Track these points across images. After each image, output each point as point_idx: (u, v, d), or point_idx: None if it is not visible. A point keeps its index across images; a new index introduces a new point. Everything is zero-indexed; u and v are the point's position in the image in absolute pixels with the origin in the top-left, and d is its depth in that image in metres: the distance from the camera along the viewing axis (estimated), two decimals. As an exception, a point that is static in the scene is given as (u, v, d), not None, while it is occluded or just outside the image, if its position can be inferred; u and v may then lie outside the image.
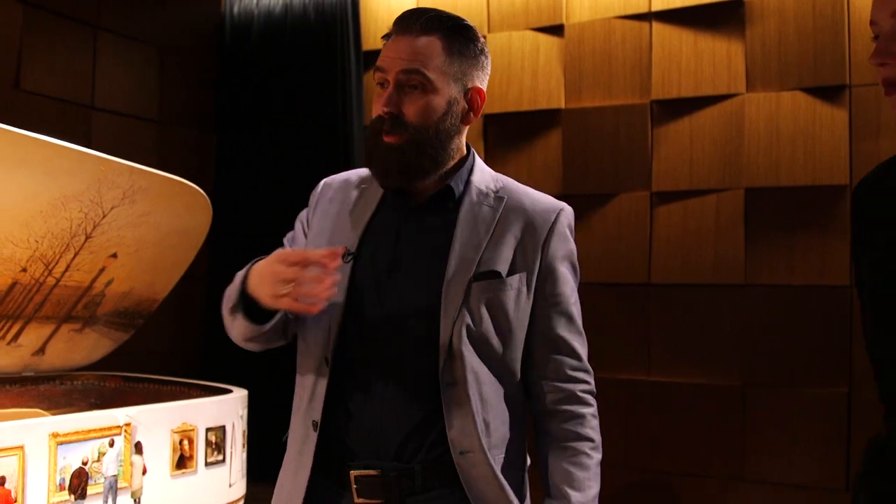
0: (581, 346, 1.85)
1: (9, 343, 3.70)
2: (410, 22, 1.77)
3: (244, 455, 3.60)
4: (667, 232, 5.39)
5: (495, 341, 1.75)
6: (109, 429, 2.97)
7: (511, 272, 1.75)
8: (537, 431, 1.88)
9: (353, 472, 1.73)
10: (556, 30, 5.76)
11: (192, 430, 3.27)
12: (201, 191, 3.80)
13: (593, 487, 1.81)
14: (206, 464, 3.32)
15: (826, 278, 4.94)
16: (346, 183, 1.92)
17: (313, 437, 1.76)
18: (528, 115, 5.84)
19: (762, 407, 5.07)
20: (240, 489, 3.56)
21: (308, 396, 1.79)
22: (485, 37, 5.83)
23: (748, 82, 5.18)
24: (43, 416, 3.58)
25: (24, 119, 5.40)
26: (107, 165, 3.35)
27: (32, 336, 3.76)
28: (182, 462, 3.24)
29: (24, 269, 3.48)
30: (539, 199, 1.87)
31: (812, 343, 4.94)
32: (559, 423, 1.83)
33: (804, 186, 5.01)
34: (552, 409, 1.83)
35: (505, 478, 1.75)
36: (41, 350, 3.85)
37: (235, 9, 6.72)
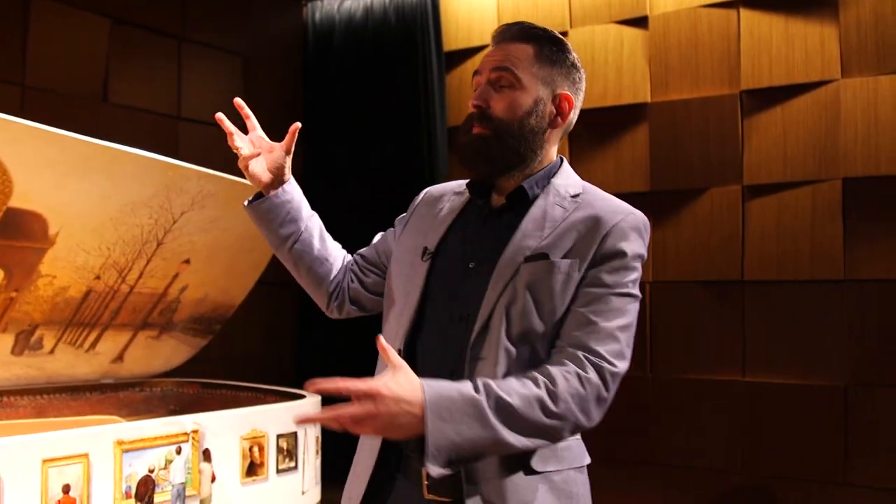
0: (608, 335, 1.72)
1: (87, 350, 3.73)
2: (506, 31, 1.89)
3: (318, 461, 3.55)
4: (760, 227, 5.16)
5: (537, 323, 1.73)
6: (176, 436, 2.95)
7: (564, 258, 1.75)
8: None
9: (424, 469, 1.68)
10: (639, 22, 5.58)
11: (263, 436, 3.23)
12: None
13: (514, 403, 1.59)
14: (278, 471, 3.28)
15: (932, 271, 4.66)
16: (443, 190, 2.03)
17: None
18: (614, 111, 5.67)
19: (867, 408, 4.80)
20: (314, 496, 3.50)
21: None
22: (566, 32, 5.76)
23: (843, 67, 4.92)
24: (119, 423, 3.60)
25: (113, 132, 5.49)
26: (174, 170, 3.35)
27: (110, 343, 3.78)
28: (252, 469, 3.19)
29: (98, 277, 3.50)
30: (614, 203, 1.85)
31: (919, 340, 4.67)
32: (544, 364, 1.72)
33: (906, 174, 4.74)
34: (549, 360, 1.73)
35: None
36: (119, 357, 3.87)
37: (317, 15, 6.74)
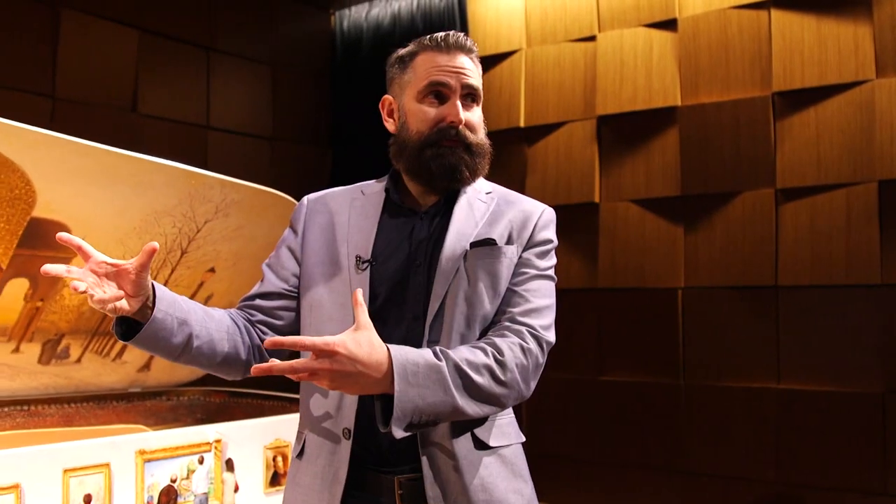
0: (540, 311, 1.86)
1: (113, 360, 3.74)
2: (458, 42, 1.94)
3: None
4: (794, 230, 5.08)
5: (487, 305, 1.83)
6: (199, 445, 2.93)
7: (506, 244, 1.88)
8: None
9: (397, 478, 1.77)
10: (669, 24, 5.52)
11: (286, 445, 3.20)
12: (294, 201, 3.75)
13: (469, 371, 1.68)
14: (302, 480, 3.25)
15: (972, 275, 4.55)
16: (332, 197, 2.05)
17: (347, 445, 1.78)
18: (643, 115, 5.62)
19: (905, 416, 4.70)
20: (338, 506, 3.47)
21: (335, 405, 1.81)
22: (595, 37, 5.72)
23: (878, 67, 4.83)
24: (141, 432, 3.60)
25: (143, 141, 5.54)
26: (196, 179, 3.34)
27: (136, 352, 3.78)
28: (276, 479, 3.17)
29: (123, 286, 3.50)
30: (526, 198, 2.01)
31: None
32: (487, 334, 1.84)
33: (944, 176, 4.64)
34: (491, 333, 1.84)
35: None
36: (146, 366, 3.87)
37: (345, 23, 6.75)
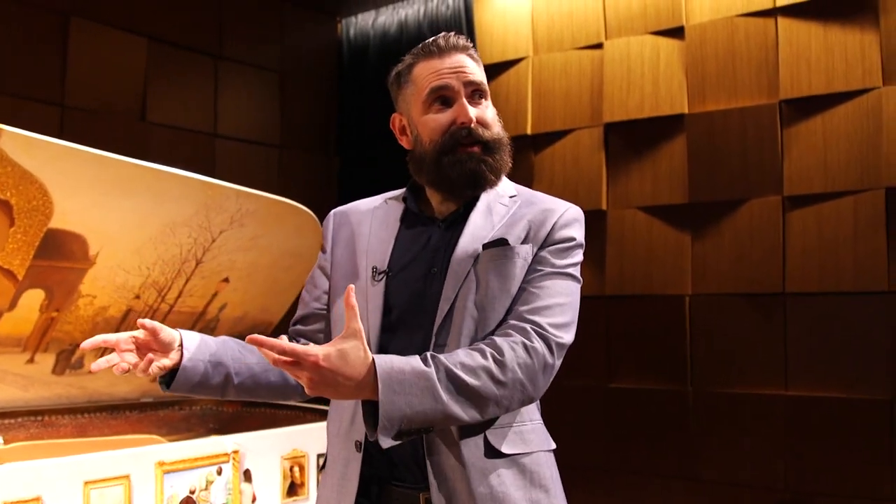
0: (552, 309, 1.79)
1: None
2: (454, 43, 1.90)
3: (358, 480, 3.52)
4: (802, 238, 5.09)
5: (500, 309, 1.78)
6: (217, 456, 2.94)
7: (521, 244, 1.83)
8: None
9: (422, 495, 1.76)
10: (675, 32, 5.54)
11: (303, 456, 3.22)
12: (309, 211, 3.77)
13: (462, 375, 1.63)
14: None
15: (981, 282, 4.57)
16: (355, 209, 2.04)
17: (357, 458, 1.79)
18: (651, 122, 5.63)
19: (914, 423, 4.72)
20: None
21: (350, 418, 1.82)
22: (601, 44, 5.73)
23: (885, 75, 4.84)
24: (159, 442, 3.61)
25: (151, 150, 5.55)
26: (213, 189, 3.35)
27: (150, 363, 3.79)
28: (293, 489, 3.18)
29: (138, 297, 3.52)
30: (552, 198, 1.95)
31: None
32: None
33: (953, 184, 4.65)
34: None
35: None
36: (160, 376, 3.88)
37: (352, 31, 6.77)
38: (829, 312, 4.98)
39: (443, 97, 1.87)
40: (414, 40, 6.36)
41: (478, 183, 1.87)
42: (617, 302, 5.71)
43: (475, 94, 1.88)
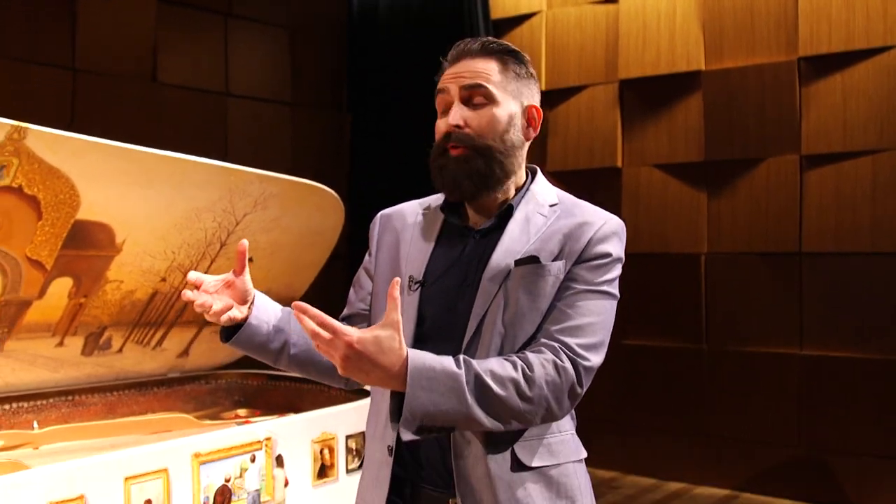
0: (582, 329, 1.77)
1: (153, 348, 3.80)
2: (465, 48, 1.87)
3: (385, 457, 3.58)
4: (819, 197, 5.10)
5: (528, 325, 1.77)
6: (250, 444, 2.99)
7: (554, 261, 1.79)
8: None
9: (451, 501, 1.77)
10: (692, -12, 5.47)
11: (333, 438, 3.27)
12: (332, 191, 3.77)
13: (491, 383, 1.63)
14: (347, 471, 3.32)
15: None
16: (400, 213, 2.02)
17: (388, 462, 1.81)
18: (667, 79, 5.60)
19: (929, 382, 4.77)
20: (382, 492, 3.55)
21: (385, 421, 1.82)
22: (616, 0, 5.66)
23: (906, 34, 4.80)
24: (188, 419, 3.67)
25: (163, 110, 5.53)
26: (236, 175, 3.37)
27: (175, 340, 3.84)
28: (323, 471, 3.24)
29: (164, 279, 3.54)
30: (592, 208, 1.90)
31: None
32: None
33: (972, 145, 4.64)
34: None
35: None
36: (185, 352, 3.93)
37: (362, -15, 6.68)
38: (846, 272, 5.00)
39: (443, 103, 1.87)
40: (425, -5, 6.30)
41: (454, 190, 1.84)
42: (632, 260, 5.70)
43: (472, 96, 1.83)
